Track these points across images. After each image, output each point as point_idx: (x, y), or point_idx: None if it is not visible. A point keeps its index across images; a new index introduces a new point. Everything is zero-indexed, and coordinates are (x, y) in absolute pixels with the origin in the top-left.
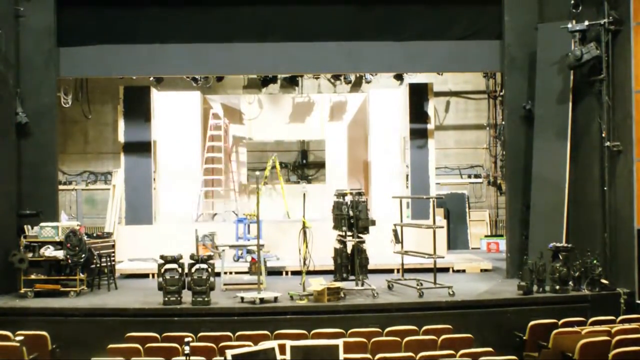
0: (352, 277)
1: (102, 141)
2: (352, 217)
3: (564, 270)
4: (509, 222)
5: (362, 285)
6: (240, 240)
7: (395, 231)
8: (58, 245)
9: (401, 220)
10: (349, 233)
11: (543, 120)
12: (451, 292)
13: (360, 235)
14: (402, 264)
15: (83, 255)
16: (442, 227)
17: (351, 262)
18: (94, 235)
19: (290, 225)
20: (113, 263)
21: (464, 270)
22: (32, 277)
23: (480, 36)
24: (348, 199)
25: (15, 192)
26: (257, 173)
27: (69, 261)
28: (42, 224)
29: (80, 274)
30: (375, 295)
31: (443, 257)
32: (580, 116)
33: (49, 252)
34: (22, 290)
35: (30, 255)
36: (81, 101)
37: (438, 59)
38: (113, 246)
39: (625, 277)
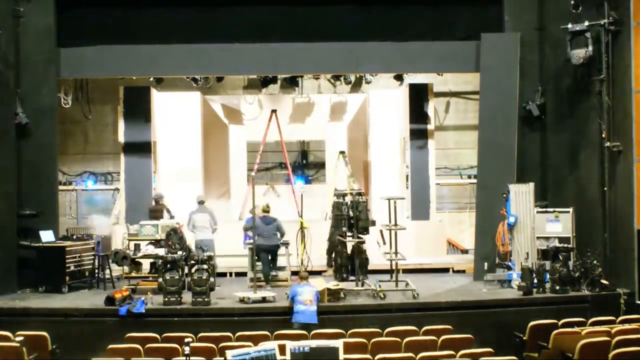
0: (352, 278)
1: (102, 141)
2: (352, 217)
3: (564, 271)
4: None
5: (363, 285)
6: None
7: (382, 232)
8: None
9: (389, 222)
10: (349, 233)
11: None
12: (415, 295)
13: (360, 235)
14: (391, 265)
15: (184, 254)
16: (404, 228)
17: (351, 263)
18: (74, 237)
19: (289, 225)
20: (90, 266)
21: (463, 271)
22: (133, 274)
23: (480, 36)
24: (348, 199)
25: (15, 192)
26: (253, 174)
27: (170, 259)
28: (142, 222)
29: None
30: (376, 295)
31: (405, 259)
32: (580, 116)
33: (150, 250)
34: (126, 287)
35: (131, 253)
36: (81, 101)
37: (438, 59)
38: (93, 248)
39: (625, 277)
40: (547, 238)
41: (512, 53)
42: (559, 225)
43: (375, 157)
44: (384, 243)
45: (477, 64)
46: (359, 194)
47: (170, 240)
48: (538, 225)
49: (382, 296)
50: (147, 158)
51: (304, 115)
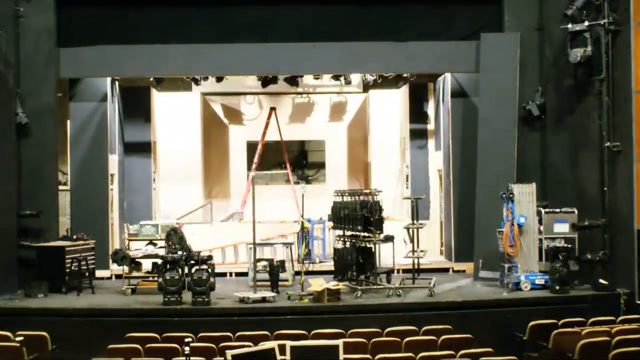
0: (356, 278)
1: None
2: (371, 216)
3: (564, 271)
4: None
5: (382, 283)
6: None
7: (409, 230)
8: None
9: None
10: (365, 234)
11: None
12: (431, 293)
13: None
14: (416, 264)
15: (184, 254)
16: (422, 226)
17: (359, 263)
18: (74, 237)
19: (288, 225)
20: (92, 266)
21: (463, 271)
22: (133, 274)
23: (480, 36)
24: (363, 198)
25: (15, 192)
26: (252, 174)
27: (170, 259)
28: (142, 222)
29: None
30: (399, 294)
31: (422, 257)
32: (580, 116)
33: (150, 250)
34: (124, 288)
35: (131, 253)
36: None
37: (438, 59)
38: (93, 249)
39: (625, 277)
40: (553, 238)
41: (512, 53)
42: (566, 225)
43: (375, 157)
44: (411, 241)
45: (477, 64)
46: (376, 193)
47: (171, 240)
48: (546, 226)
49: (399, 294)
50: (147, 158)
51: (304, 115)
